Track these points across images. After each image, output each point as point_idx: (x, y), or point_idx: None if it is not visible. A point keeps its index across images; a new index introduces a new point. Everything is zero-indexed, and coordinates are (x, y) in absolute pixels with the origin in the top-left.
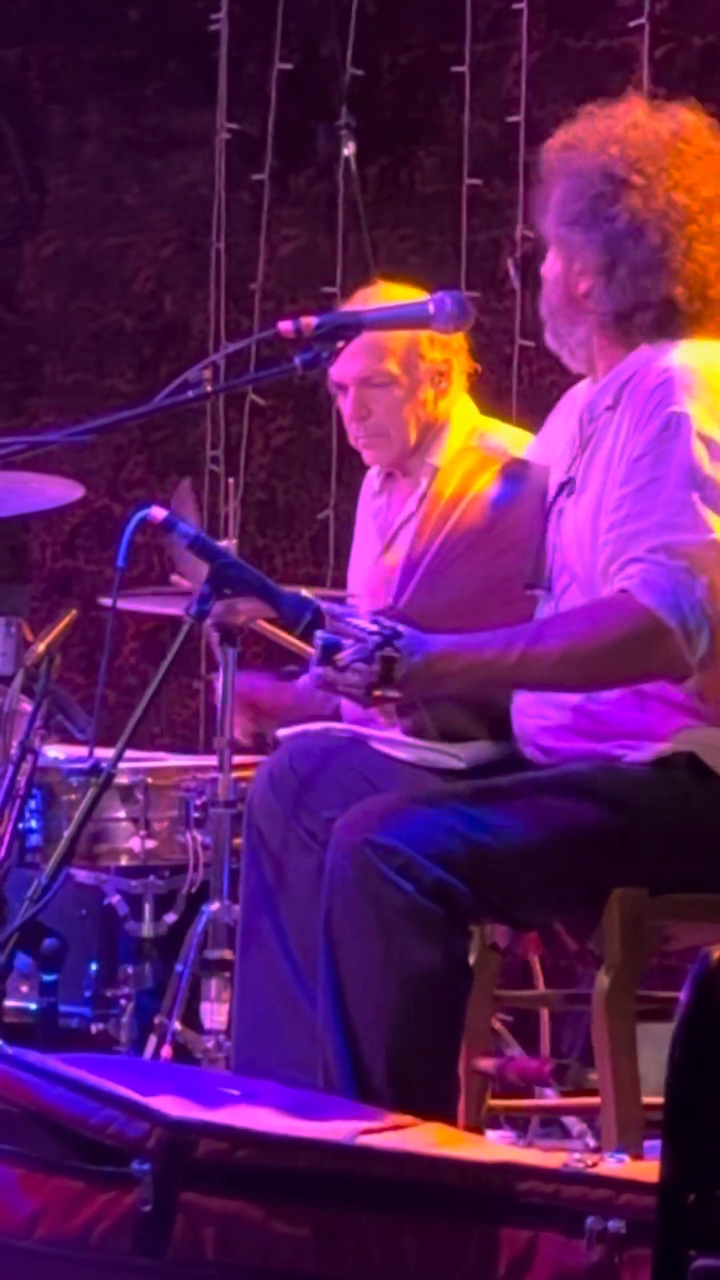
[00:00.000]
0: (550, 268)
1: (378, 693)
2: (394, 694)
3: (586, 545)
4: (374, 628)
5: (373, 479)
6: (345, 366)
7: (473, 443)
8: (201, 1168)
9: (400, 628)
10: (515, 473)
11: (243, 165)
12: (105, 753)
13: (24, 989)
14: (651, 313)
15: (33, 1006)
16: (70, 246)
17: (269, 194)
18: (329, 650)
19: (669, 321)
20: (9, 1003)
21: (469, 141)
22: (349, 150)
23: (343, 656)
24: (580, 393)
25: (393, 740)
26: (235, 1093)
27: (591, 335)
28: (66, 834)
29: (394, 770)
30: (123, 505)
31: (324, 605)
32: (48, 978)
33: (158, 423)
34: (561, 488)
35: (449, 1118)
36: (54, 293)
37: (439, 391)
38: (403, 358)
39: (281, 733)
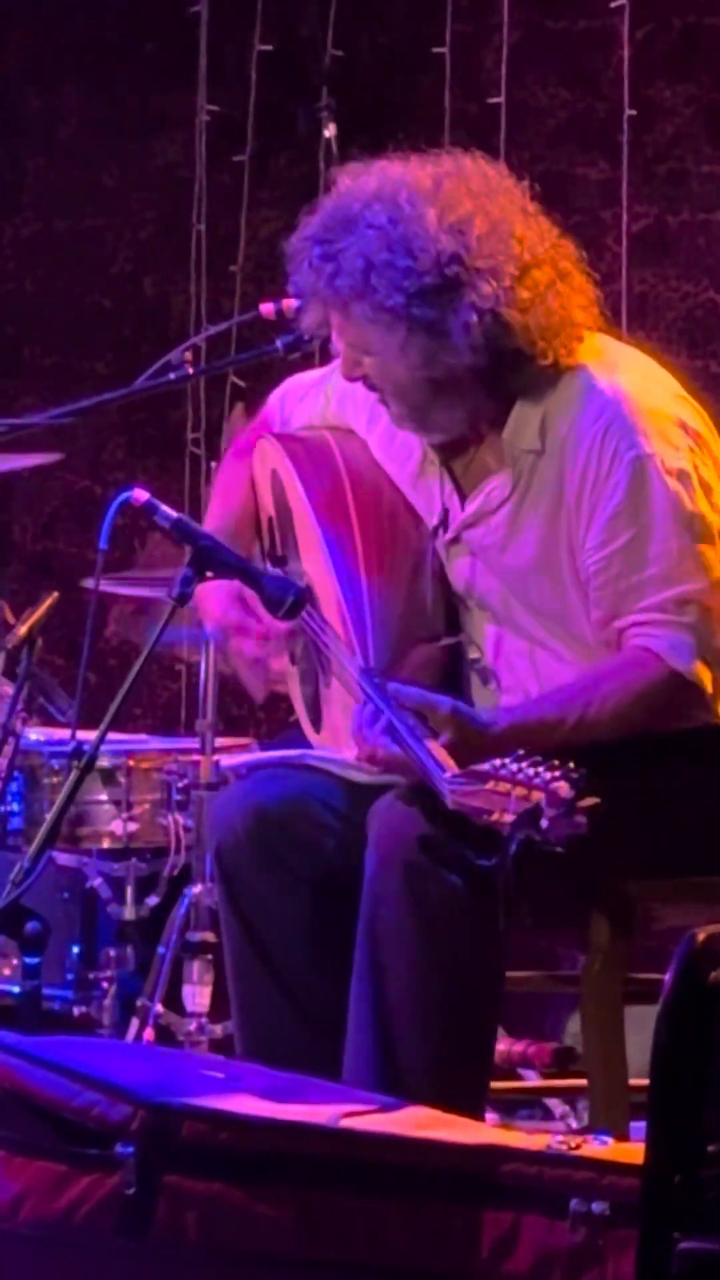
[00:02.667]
0: (393, 377)
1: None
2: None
3: (533, 595)
4: (549, 775)
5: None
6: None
7: None
8: (185, 1150)
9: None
10: (344, 447)
11: (223, 147)
12: (87, 735)
13: (5, 972)
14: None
15: (15, 989)
16: (48, 228)
17: (249, 175)
18: (533, 818)
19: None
20: None
21: (450, 123)
22: (329, 132)
23: (545, 822)
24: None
25: (346, 763)
26: (219, 1075)
27: (478, 404)
28: (49, 817)
29: (357, 794)
30: (103, 487)
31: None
32: (30, 961)
33: (138, 405)
34: (468, 525)
35: (478, 1108)
36: (32, 274)
37: None
38: None
39: (227, 763)
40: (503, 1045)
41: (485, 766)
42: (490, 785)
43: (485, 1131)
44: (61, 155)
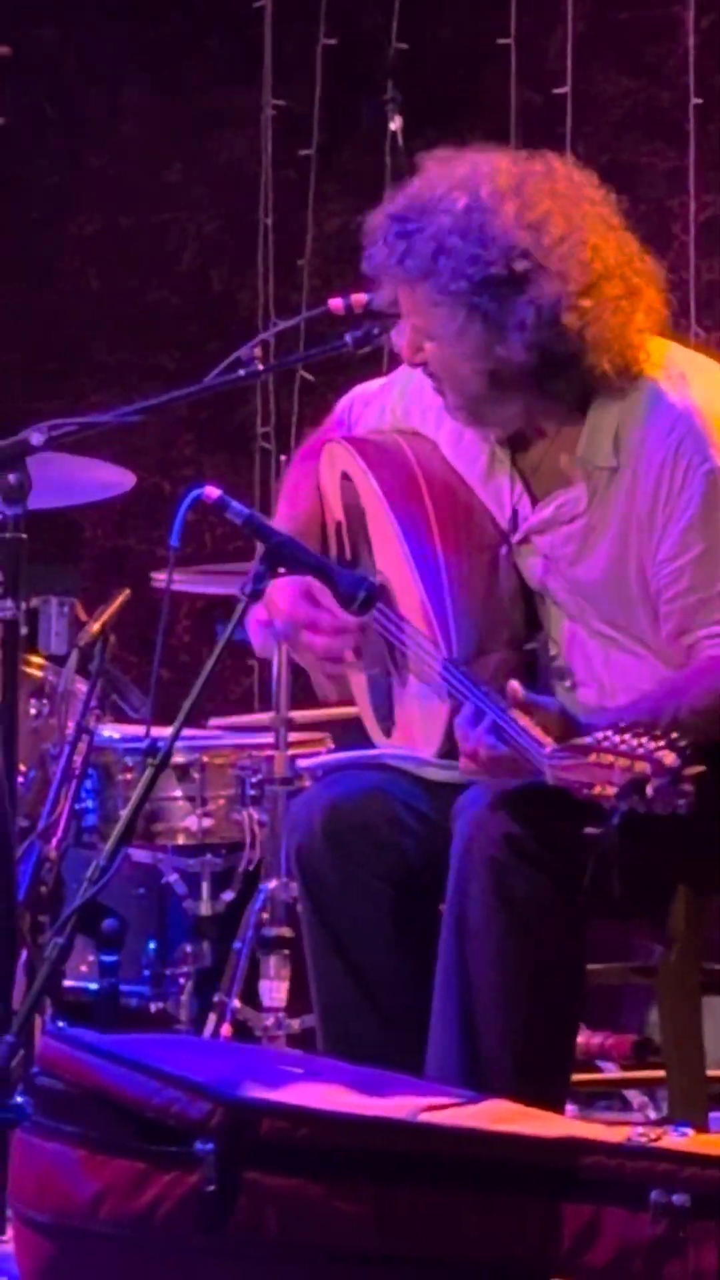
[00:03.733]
0: (452, 365)
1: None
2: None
3: (603, 605)
4: (653, 745)
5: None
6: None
7: None
8: (264, 1147)
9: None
10: (413, 445)
11: (288, 141)
12: (161, 732)
13: (83, 968)
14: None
15: (92, 986)
16: (112, 225)
17: (315, 170)
18: (638, 787)
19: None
20: (68, 982)
21: (515, 114)
22: (395, 125)
23: (652, 790)
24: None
25: (423, 761)
26: (297, 1070)
27: (531, 404)
28: (124, 814)
29: (433, 793)
30: (173, 484)
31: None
32: (107, 958)
33: (207, 400)
34: (536, 531)
35: (560, 1104)
36: (97, 272)
37: None
38: None
39: (304, 763)
40: (581, 1038)
41: (587, 740)
42: (592, 758)
43: (564, 1124)
44: (125, 152)
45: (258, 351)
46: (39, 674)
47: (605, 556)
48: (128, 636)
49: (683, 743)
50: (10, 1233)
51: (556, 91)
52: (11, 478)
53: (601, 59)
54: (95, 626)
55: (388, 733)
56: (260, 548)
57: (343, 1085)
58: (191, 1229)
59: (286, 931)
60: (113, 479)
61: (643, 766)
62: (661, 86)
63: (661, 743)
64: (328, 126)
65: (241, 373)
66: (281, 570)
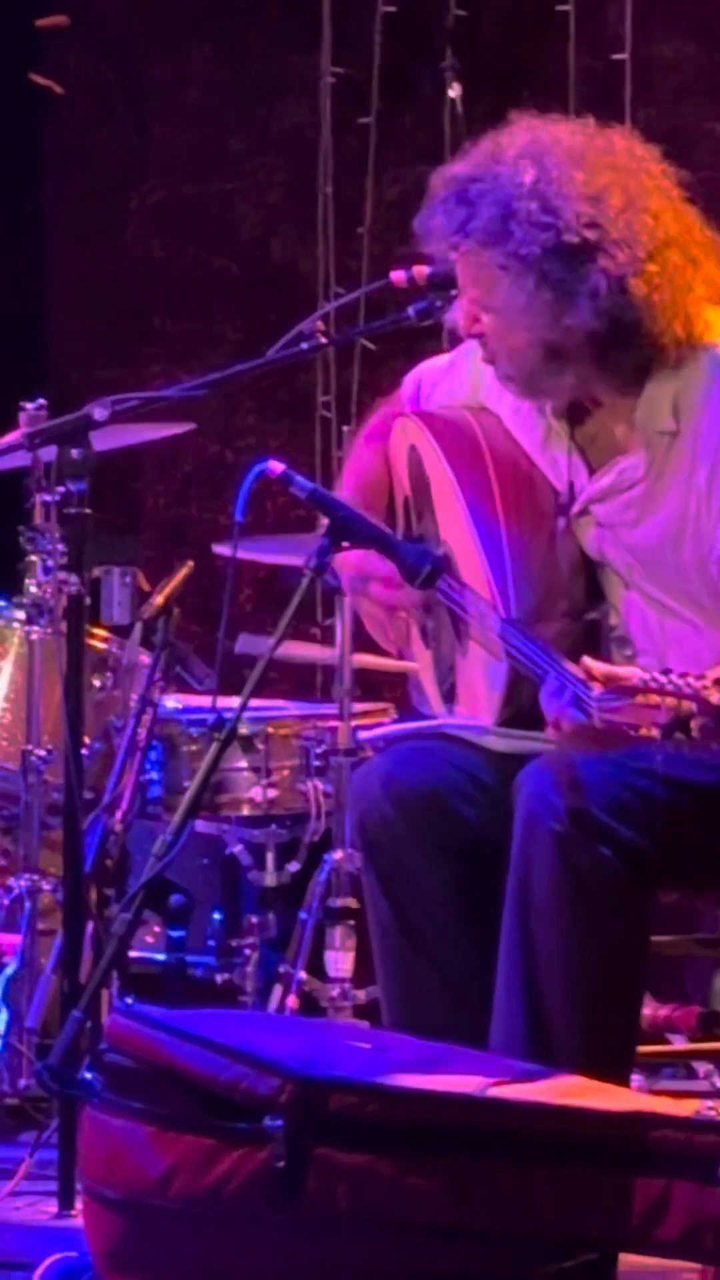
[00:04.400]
0: (508, 338)
1: None
2: None
3: (660, 571)
4: (698, 683)
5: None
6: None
7: None
8: (334, 1122)
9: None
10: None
11: (348, 109)
12: (223, 703)
13: (148, 939)
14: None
15: (158, 957)
16: (175, 194)
17: (375, 137)
18: (682, 724)
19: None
20: (133, 954)
21: (575, 80)
22: (454, 92)
23: (698, 727)
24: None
25: (485, 730)
26: (365, 1046)
27: (587, 375)
28: (191, 788)
29: (494, 763)
30: (235, 453)
31: (593, 667)
32: (174, 934)
33: (268, 370)
34: (595, 500)
35: (626, 1075)
36: (159, 241)
37: None
38: None
39: (366, 736)
40: (648, 1009)
41: (635, 681)
42: (639, 699)
43: (633, 1098)
44: (187, 120)
45: (320, 325)
46: (103, 646)
47: (663, 522)
48: (189, 606)
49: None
50: (79, 1207)
51: (616, 58)
52: (75, 453)
53: (661, 24)
54: (159, 599)
55: (450, 708)
56: (324, 522)
57: (410, 1060)
58: (262, 1205)
59: (352, 902)
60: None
61: (688, 705)
62: None
63: (707, 681)
64: (387, 94)
65: (304, 346)
66: (345, 544)
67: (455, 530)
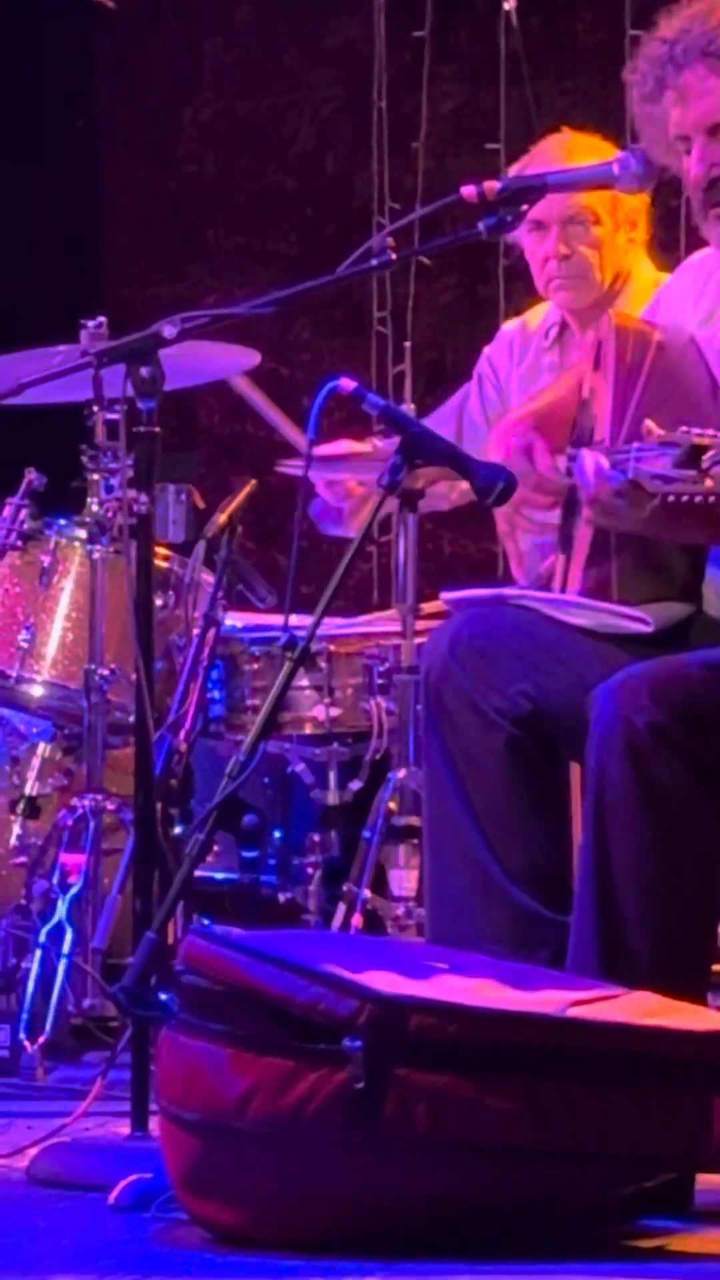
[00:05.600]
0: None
1: None
2: None
3: None
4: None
5: (529, 333)
6: (550, 204)
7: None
8: (412, 1043)
9: None
10: (674, 334)
11: (402, 23)
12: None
13: (209, 859)
14: None
15: (218, 876)
16: (229, 110)
17: (429, 52)
18: (696, 454)
19: None
20: (198, 873)
21: None
22: (509, 4)
23: (708, 459)
24: (707, 261)
25: (569, 604)
26: (444, 966)
27: None
28: (265, 708)
29: (573, 639)
30: (290, 369)
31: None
32: (247, 854)
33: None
34: None
35: (703, 995)
36: (213, 156)
37: (630, 239)
38: (607, 198)
39: (446, 596)
40: None
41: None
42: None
43: (713, 1018)
44: (240, 35)
45: (391, 241)
46: (164, 565)
47: None
48: (246, 524)
49: None
50: (153, 1128)
51: None
52: (144, 371)
53: None
54: (223, 517)
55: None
56: (397, 440)
57: (489, 980)
58: (341, 1126)
59: (415, 820)
60: (234, 359)
61: (704, 440)
62: None
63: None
64: (441, 8)
65: (374, 263)
66: (419, 461)
67: (598, 395)
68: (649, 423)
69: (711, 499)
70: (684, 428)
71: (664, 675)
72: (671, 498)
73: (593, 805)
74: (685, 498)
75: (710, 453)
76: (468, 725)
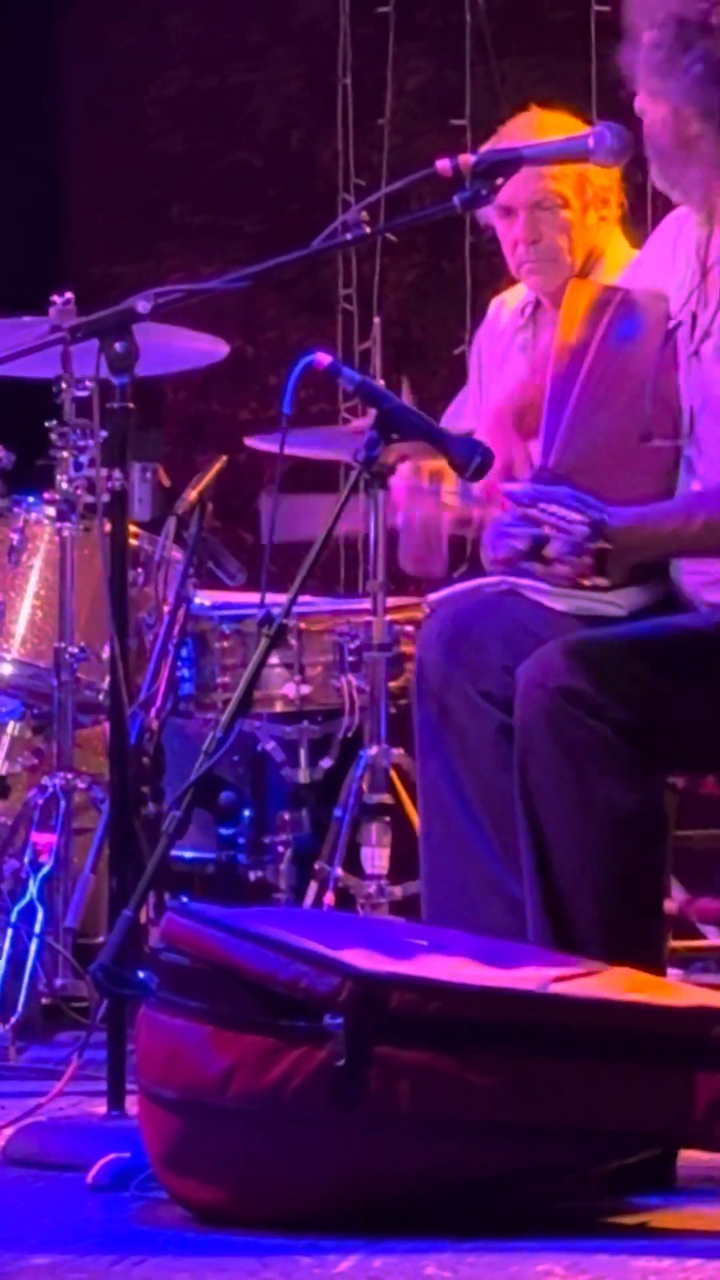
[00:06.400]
0: (653, 111)
1: (588, 583)
2: (604, 582)
3: None
4: (578, 516)
5: (506, 312)
6: (516, 189)
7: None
8: (394, 1020)
9: (605, 516)
10: (631, 308)
11: None
12: (252, 597)
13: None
14: None
15: (186, 855)
16: (193, 86)
17: (394, 27)
18: (539, 546)
19: None
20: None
21: None
22: None
23: (551, 551)
24: (682, 218)
25: (548, 590)
26: (424, 943)
27: (708, 178)
28: (241, 685)
29: (554, 621)
30: (255, 347)
31: (518, 490)
32: (225, 831)
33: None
34: (691, 331)
35: (657, 963)
36: (177, 133)
37: (601, 218)
38: (574, 180)
39: (432, 597)
40: (683, 900)
41: (534, 512)
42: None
43: (696, 994)
44: (205, 12)
45: (364, 215)
46: (134, 543)
47: None
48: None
49: (599, 517)
50: (130, 1107)
51: None
52: (119, 346)
53: None
54: (193, 494)
55: None
56: (372, 414)
57: (469, 957)
58: (323, 1104)
59: (387, 798)
60: (204, 347)
61: (551, 532)
62: None
63: (584, 514)
64: None
65: (348, 237)
66: (395, 436)
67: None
68: (506, 488)
69: (565, 585)
70: (542, 505)
71: (583, 643)
72: (538, 577)
73: (520, 771)
74: (550, 580)
75: (554, 544)
76: (459, 714)
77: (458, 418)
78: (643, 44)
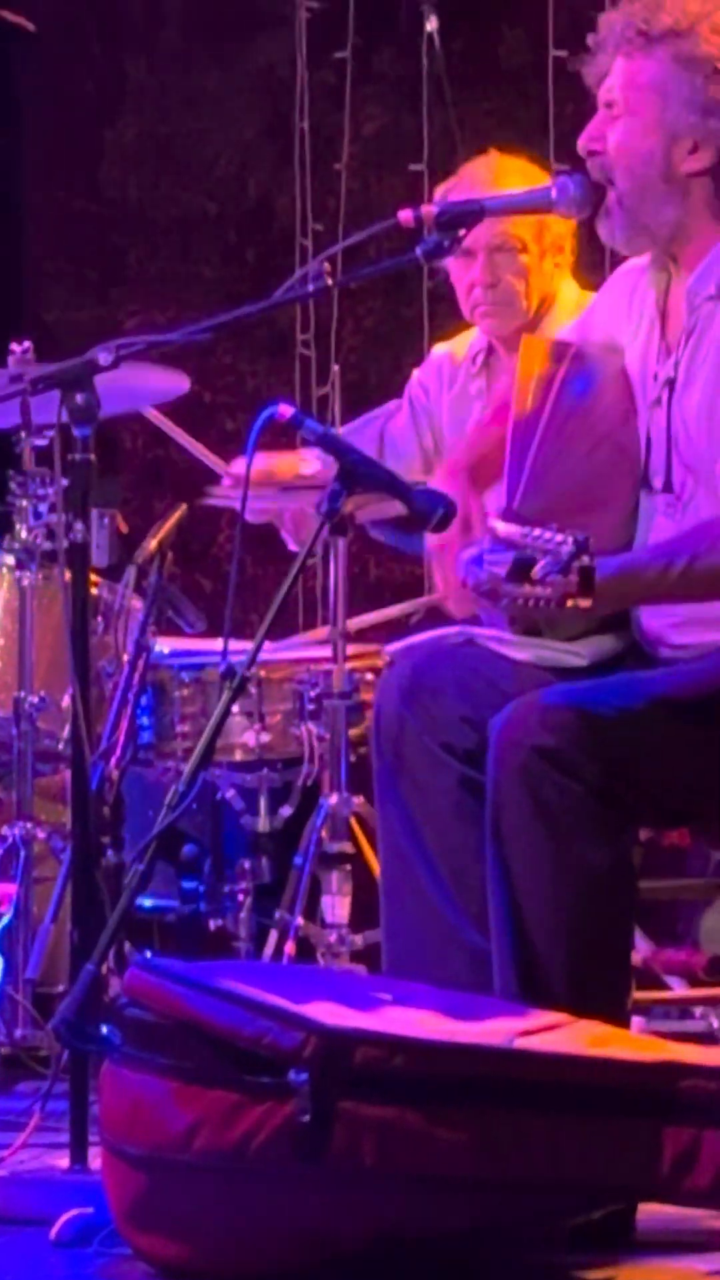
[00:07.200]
0: (637, 144)
1: (571, 603)
2: (586, 604)
3: (701, 443)
4: (561, 537)
5: (457, 361)
6: (476, 232)
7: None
8: (359, 1076)
9: (589, 537)
10: (584, 361)
11: (324, 44)
12: (212, 645)
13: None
14: None
15: (146, 904)
16: (150, 132)
17: (351, 72)
18: (524, 567)
19: None
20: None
21: (555, 12)
22: (431, 25)
23: (538, 571)
24: (636, 271)
25: (509, 640)
26: (387, 997)
27: (685, 216)
28: (204, 738)
29: (516, 672)
30: (213, 392)
31: (500, 525)
32: (188, 884)
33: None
34: (667, 383)
35: (621, 1015)
36: (135, 179)
37: (556, 264)
38: (533, 225)
39: (390, 648)
40: (647, 953)
41: (516, 535)
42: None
43: (662, 1048)
44: (162, 58)
45: (328, 266)
46: (93, 591)
47: (699, 388)
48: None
49: (584, 537)
50: (93, 1161)
51: None
52: (80, 398)
53: None
54: (153, 543)
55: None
56: (336, 466)
57: (434, 1011)
58: (287, 1160)
59: (348, 847)
60: (167, 384)
61: (534, 554)
62: None
63: (567, 535)
64: (363, 28)
65: (310, 288)
66: (358, 489)
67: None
68: (491, 521)
69: (551, 605)
70: (524, 530)
71: (555, 699)
72: (520, 601)
73: (492, 829)
74: (531, 602)
75: (540, 564)
76: (418, 765)
77: (357, 436)
78: (650, 73)
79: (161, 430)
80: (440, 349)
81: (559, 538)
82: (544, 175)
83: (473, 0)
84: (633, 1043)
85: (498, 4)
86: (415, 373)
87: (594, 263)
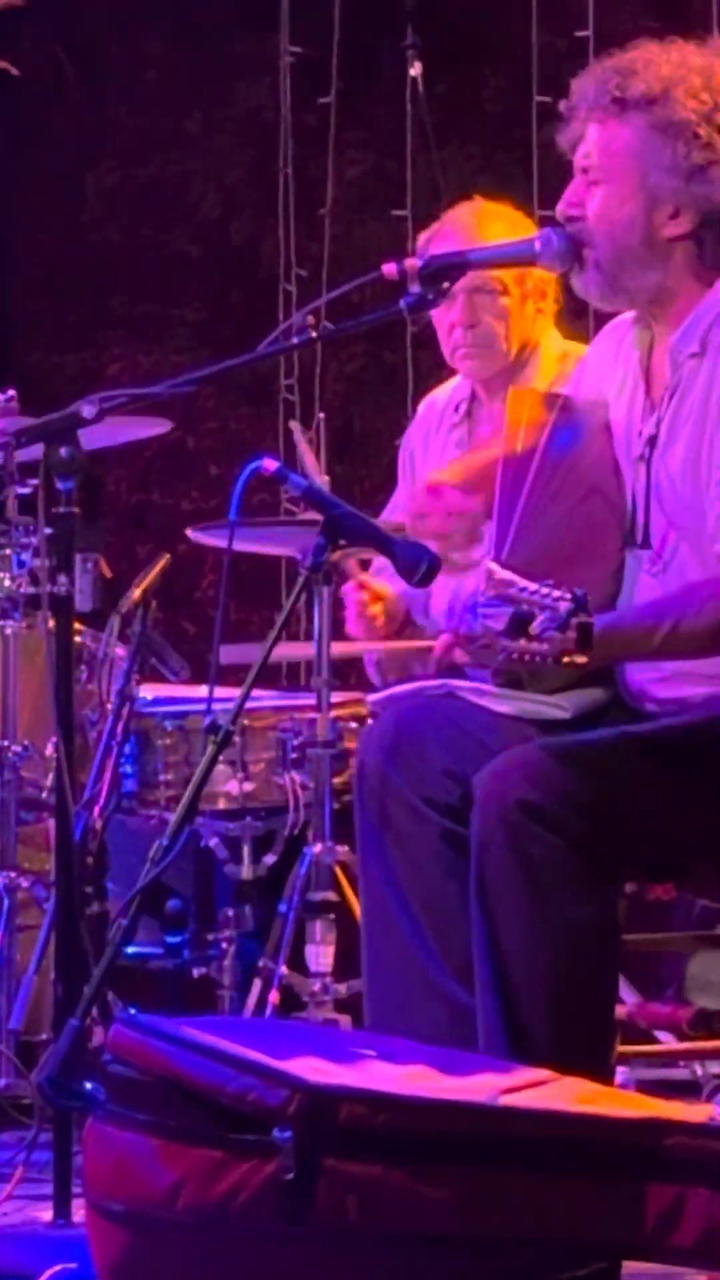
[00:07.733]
0: (617, 211)
1: (568, 660)
2: (583, 660)
3: (687, 499)
4: (559, 593)
5: (441, 408)
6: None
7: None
8: (343, 1133)
9: (585, 593)
10: (571, 414)
11: (307, 89)
12: (195, 691)
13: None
14: None
15: (128, 951)
16: (133, 176)
17: (335, 117)
18: (521, 622)
19: None
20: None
21: (538, 57)
22: (415, 70)
23: (535, 626)
24: (624, 326)
25: (491, 693)
26: (371, 1052)
27: (667, 279)
28: (188, 793)
29: (498, 725)
30: (196, 437)
31: (498, 570)
32: (172, 939)
33: (229, 352)
34: (649, 440)
35: (605, 1069)
36: (117, 223)
37: (538, 310)
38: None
39: (372, 699)
40: (633, 1005)
41: (513, 590)
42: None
43: (647, 1104)
44: (144, 102)
45: (311, 319)
46: (77, 640)
47: (682, 446)
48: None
49: (582, 593)
50: (76, 1215)
51: (579, 35)
52: (64, 451)
53: (624, 1)
54: (137, 592)
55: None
56: (321, 519)
57: (419, 1067)
58: (271, 1217)
59: (332, 896)
60: (145, 428)
61: (532, 609)
62: (685, 30)
63: (565, 591)
64: (347, 73)
65: (295, 340)
66: (342, 542)
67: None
68: (488, 563)
69: (549, 661)
70: (520, 585)
71: (540, 754)
72: (515, 655)
73: (476, 884)
74: (528, 657)
75: (538, 619)
76: (400, 819)
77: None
78: (612, 137)
79: (147, 475)
80: (427, 401)
81: (555, 593)
82: (528, 221)
83: (456, 46)
84: (617, 1099)
85: (481, 49)
86: (401, 442)
87: (578, 309)
